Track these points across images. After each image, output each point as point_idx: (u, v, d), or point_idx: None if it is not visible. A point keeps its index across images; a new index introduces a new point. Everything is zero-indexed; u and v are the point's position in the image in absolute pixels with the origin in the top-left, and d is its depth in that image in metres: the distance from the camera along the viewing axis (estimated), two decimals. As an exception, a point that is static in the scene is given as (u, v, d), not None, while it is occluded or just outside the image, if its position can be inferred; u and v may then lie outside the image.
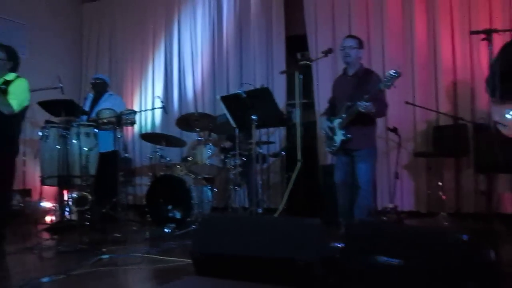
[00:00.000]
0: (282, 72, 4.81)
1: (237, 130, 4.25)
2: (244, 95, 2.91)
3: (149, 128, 6.48)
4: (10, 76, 3.86)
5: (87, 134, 4.70)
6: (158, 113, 6.47)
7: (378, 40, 5.29)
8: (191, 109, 6.20)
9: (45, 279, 2.49)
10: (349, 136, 3.53)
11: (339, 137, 3.63)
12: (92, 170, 4.67)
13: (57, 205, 5.26)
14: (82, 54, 7.27)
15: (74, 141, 4.68)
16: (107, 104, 5.10)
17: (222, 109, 5.68)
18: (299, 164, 3.09)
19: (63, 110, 4.62)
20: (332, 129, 3.71)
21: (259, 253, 1.86)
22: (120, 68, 6.92)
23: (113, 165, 4.94)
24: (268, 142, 5.08)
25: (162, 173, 4.51)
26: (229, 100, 3.07)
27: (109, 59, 7.03)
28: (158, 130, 6.27)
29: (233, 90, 5.88)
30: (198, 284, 1.30)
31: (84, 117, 5.20)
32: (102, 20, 7.16)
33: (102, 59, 7.08)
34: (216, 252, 1.94)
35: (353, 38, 3.80)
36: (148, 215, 4.43)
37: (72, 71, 7.08)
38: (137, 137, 6.49)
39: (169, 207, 4.19)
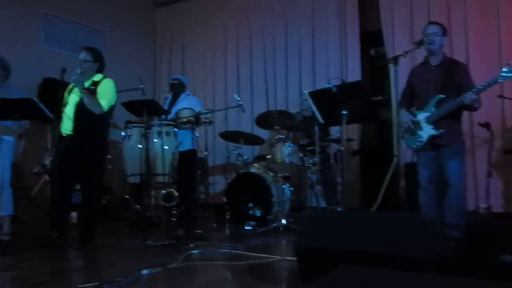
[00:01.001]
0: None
1: (316, 128, 4.20)
2: (335, 89, 2.83)
3: (221, 128, 6.54)
4: (97, 77, 3.99)
5: (168, 133, 4.83)
6: (230, 112, 6.51)
7: (461, 32, 5.03)
8: (263, 108, 6.23)
9: (144, 271, 2.56)
10: (442, 130, 3.36)
11: (426, 132, 3.45)
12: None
13: (138, 202, 5.44)
14: (156, 56, 7.52)
15: (155, 140, 4.84)
16: (184, 104, 5.22)
17: (296, 107, 5.72)
18: (395, 160, 2.96)
19: (145, 110, 4.77)
20: (415, 123, 3.51)
21: (370, 248, 1.79)
22: (192, 69, 7.09)
23: (191, 164, 5.05)
24: (349, 140, 4.95)
25: (242, 171, 4.53)
26: (317, 95, 3.01)
27: (181, 61, 7.23)
28: (230, 129, 6.31)
29: (307, 87, 5.84)
30: (356, 275, 1.26)
31: (163, 117, 5.36)
32: (174, 23, 7.37)
33: (175, 61, 7.29)
34: (322, 247, 1.89)
35: (437, 24, 3.59)
36: (228, 213, 4.46)
37: (147, 73, 7.35)
38: (209, 136, 6.57)
39: (250, 204, 4.19)
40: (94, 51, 4.01)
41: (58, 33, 6.17)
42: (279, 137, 4.29)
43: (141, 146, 4.88)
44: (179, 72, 7.00)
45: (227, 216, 4.45)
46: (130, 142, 4.95)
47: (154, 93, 7.28)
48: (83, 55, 3.92)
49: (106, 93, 3.91)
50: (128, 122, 5.64)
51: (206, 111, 4.86)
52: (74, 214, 5.29)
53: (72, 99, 3.87)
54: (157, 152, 4.79)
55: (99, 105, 3.85)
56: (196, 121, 4.88)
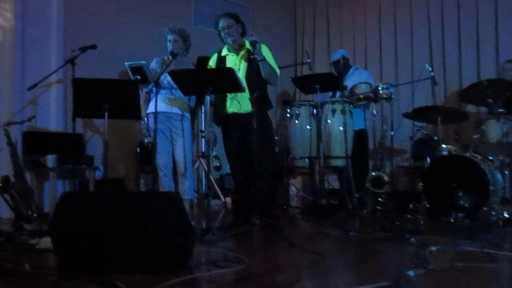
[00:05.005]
0: None
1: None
2: None
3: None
4: (247, 43, 3.50)
5: (343, 111, 4.32)
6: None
7: None
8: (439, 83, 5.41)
9: (410, 273, 2.05)
10: None
11: None
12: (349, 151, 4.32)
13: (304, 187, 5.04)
14: (297, 30, 7.09)
15: (329, 121, 4.37)
16: (355, 79, 4.66)
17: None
18: None
19: (318, 85, 4.26)
20: None
21: None
22: (339, 41, 6.54)
23: (363, 146, 4.55)
24: None
25: (439, 154, 3.89)
26: None
27: (327, 32, 6.70)
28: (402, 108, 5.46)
29: (487, 57, 5.03)
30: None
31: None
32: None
33: (320, 33, 6.80)
34: None
35: None
36: (425, 202, 3.83)
37: (288, 48, 7.00)
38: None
39: (460, 193, 3.51)
40: (231, 14, 3.58)
41: (206, 12, 5.99)
42: (499, 111, 3.53)
43: (309, 127, 4.45)
44: (323, 45, 6.57)
45: (425, 205, 3.80)
46: (298, 123, 4.53)
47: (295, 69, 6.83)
48: (223, 22, 3.52)
49: (271, 59, 3.49)
50: (285, 101, 5.28)
51: (386, 85, 4.25)
52: (228, 200, 5.00)
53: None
54: (331, 132, 4.33)
55: (276, 73, 3.50)
56: (374, 97, 4.30)
